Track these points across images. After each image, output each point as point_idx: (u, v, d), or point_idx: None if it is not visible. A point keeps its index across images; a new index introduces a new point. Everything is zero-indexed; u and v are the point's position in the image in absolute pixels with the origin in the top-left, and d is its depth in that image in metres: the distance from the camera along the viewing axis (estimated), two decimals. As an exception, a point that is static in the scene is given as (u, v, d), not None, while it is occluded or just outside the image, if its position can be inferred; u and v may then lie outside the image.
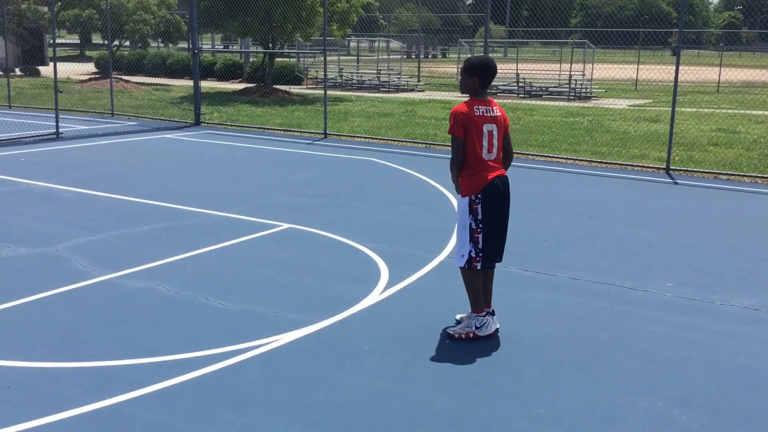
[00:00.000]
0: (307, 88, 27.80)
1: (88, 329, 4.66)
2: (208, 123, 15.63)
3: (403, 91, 27.21)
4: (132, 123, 15.57)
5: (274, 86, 24.08)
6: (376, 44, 37.84)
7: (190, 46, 15.43)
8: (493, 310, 4.78)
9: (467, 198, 4.54)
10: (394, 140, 13.69)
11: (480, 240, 4.56)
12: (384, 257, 6.36)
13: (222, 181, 9.69)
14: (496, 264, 4.78)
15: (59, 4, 29.08)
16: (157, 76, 30.87)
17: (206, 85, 28.21)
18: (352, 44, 44.25)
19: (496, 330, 4.71)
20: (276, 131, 14.83)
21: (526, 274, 6.02)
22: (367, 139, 13.79)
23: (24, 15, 32.22)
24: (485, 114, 4.50)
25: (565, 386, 4.07)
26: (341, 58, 37.70)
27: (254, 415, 3.67)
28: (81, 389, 3.86)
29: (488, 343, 4.62)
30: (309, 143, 13.27)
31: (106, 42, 30.82)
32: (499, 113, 4.58)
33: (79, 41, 47.24)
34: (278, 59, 29.94)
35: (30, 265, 5.92)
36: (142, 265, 5.97)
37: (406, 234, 7.19)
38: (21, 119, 15.45)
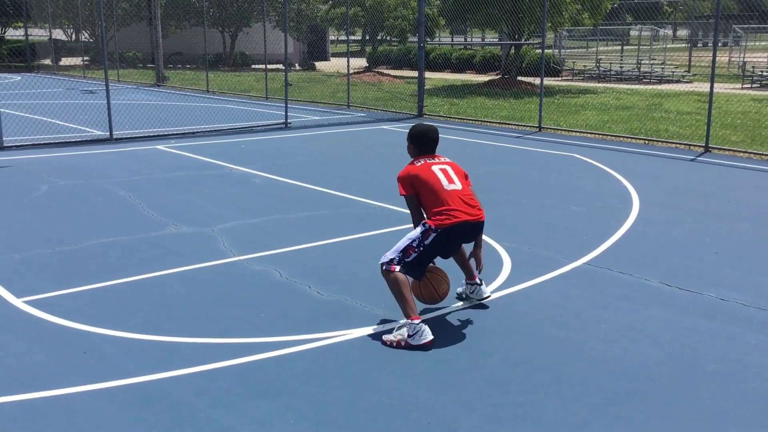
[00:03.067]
0: (562, 80, 26.95)
1: (185, 306, 4.96)
2: (430, 115, 15.83)
3: (667, 82, 25.20)
4: (361, 114, 16.31)
5: (518, 78, 23.68)
6: (661, 32, 35.44)
7: (418, 39, 15.70)
8: (481, 280, 4.86)
9: (430, 227, 4.48)
10: (613, 136, 12.71)
11: (412, 257, 4.49)
12: (514, 258, 5.95)
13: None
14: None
15: (330, 2, 31.34)
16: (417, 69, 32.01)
17: (461, 77, 28.64)
18: (633, 33, 41.94)
19: (429, 341, 4.29)
20: (493, 124, 14.57)
21: (666, 289, 5.24)
22: (582, 134, 12.98)
23: (304, 13, 35.40)
24: (428, 161, 4.69)
25: (620, 420, 3.46)
26: (607, 48, 35.90)
27: (271, 407, 3.63)
28: (139, 362, 4.12)
29: (560, 359, 4.09)
30: (517, 137, 12.84)
31: (368, 38, 32.73)
32: (448, 160, 4.76)
33: (360, 38, 50.78)
34: (537, 51, 29.36)
35: (180, 242, 6.47)
36: (274, 249, 6.22)
37: (556, 236, 6.65)
38: (265, 109, 16.96)
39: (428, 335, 4.31)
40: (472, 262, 4.84)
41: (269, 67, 19.12)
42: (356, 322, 4.70)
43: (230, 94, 21.62)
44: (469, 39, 48.50)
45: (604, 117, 15.17)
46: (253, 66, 36.18)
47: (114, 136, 12.08)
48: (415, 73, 29.97)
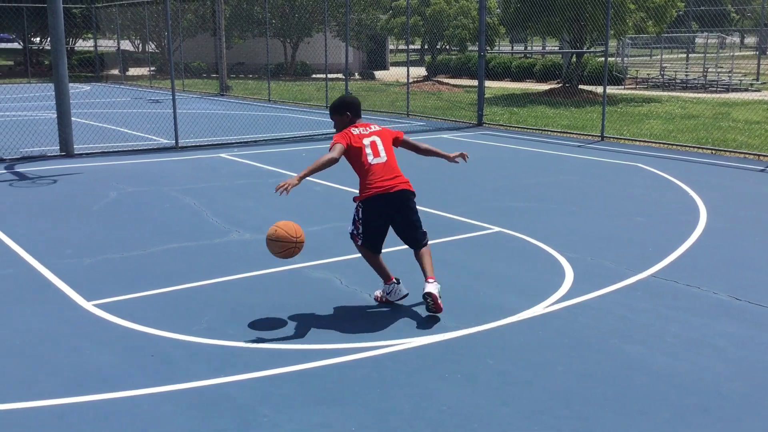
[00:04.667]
0: (625, 89, 26.47)
1: (248, 312, 5.04)
2: (490, 124, 15.75)
3: (734, 91, 24.49)
4: (420, 123, 16.33)
5: (579, 87, 23.36)
6: (728, 40, 34.50)
7: (479, 48, 15.65)
8: (397, 279, 5.13)
9: (357, 201, 5.09)
10: (678, 145, 12.41)
11: (360, 228, 5.08)
12: (577, 269, 5.86)
13: (464, 181, 9.72)
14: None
15: (390, 12, 31.52)
16: (476, 78, 31.91)
17: (521, 86, 28.42)
18: (699, 40, 40.95)
19: (405, 295, 5.07)
20: (554, 133, 14.40)
21: (735, 303, 5.09)
22: (647, 144, 12.72)
23: (364, 23, 35.70)
24: (362, 133, 5.08)
25: (690, 442, 3.38)
26: (671, 56, 35.11)
27: (331, 414, 3.66)
28: (204, 365, 4.21)
29: (624, 372, 4.00)
30: (579, 146, 12.65)
31: (427, 47, 32.77)
32: (378, 129, 5.13)
33: (419, 47, 50.94)
34: (599, 59, 28.91)
35: (243, 249, 6.58)
36: (335, 257, 6.27)
37: (620, 247, 6.52)
38: (325, 118, 17.08)
39: (401, 292, 5.08)
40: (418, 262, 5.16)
41: (329, 76, 19.35)
42: (416, 330, 4.70)
43: (291, 103, 21.93)
44: (529, 47, 48.10)
45: (669, 126, 14.83)
46: (313, 75, 36.62)
47: (179, 145, 12.38)
48: (474, 82, 29.87)
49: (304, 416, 3.64)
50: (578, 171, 10.39)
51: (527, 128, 15.10)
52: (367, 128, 5.15)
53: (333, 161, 4.94)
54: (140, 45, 39.73)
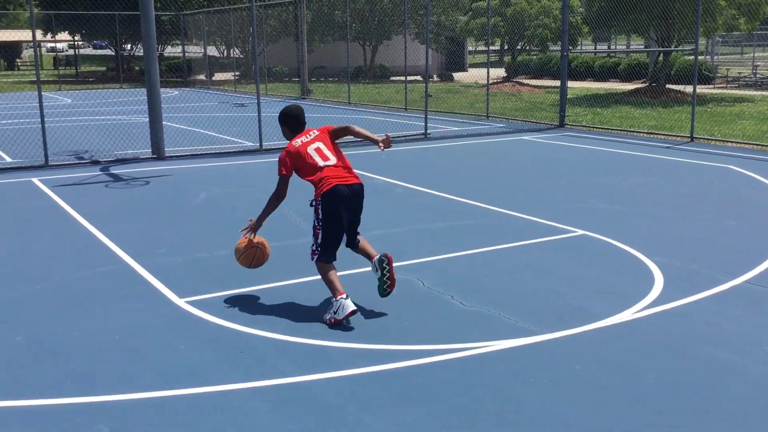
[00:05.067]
0: (715, 88, 25.54)
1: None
2: (572, 125, 15.47)
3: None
4: (500, 125, 16.19)
5: (667, 86, 22.66)
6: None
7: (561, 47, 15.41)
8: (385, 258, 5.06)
9: (314, 200, 5.09)
10: (775, 145, 11.90)
11: (320, 236, 5.08)
12: (666, 274, 5.70)
13: (545, 183, 9.59)
14: None
15: (470, 13, 31.36)
16: (558, 79, 31.39)
17: (605, 86, 27.80)
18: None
19: (352, 312, 4.82)
20: (640, 134, 14.03)
21: (838, 314, 4.84)
22: (739, 145, 12.25)
23: (443, 24, 35.65)
24: (305, 141, 5.20)
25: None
26: (764, 53, 33.62)
27: (417, 415, 3.68)
28: (291, 363, 4.30)
29: (718, 381, 3.87)
30: (667, 147, 12.28)
31: (506, 47, 32.43)
32: (317, 133, 5.26)
33: (498, 48, 50.54)
34: (687, 57, 27.98)
35: (327, 249, 6.68)
36: (417, 258, 6.29)
37: (711, 251, 6.31)
38: (405, 120, 17.18)
39: (349, 307, 4.84)
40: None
41: (408, 78, 19.40)
42: (500, 333, 4.67)
43: (371, 105, 22.11)
44: (612, 46, 46.97)
45: (762, 127, 14.23)
46: (392, 78, 36.82)
47: (263, 147, 12.66)
48: (555, 83, 29.39)
49: (390, 416, 3.68)
50: (666, 173, 10.10)
51: (612, 129, 14.76)
52: (308, 135, 5.27)
53: (282, 197, 5.22)
54: (225, 50, 40.83)
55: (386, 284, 5.03)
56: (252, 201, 8.65)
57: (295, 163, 5.15)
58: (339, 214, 5.05)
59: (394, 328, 4.80)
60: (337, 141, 5.36)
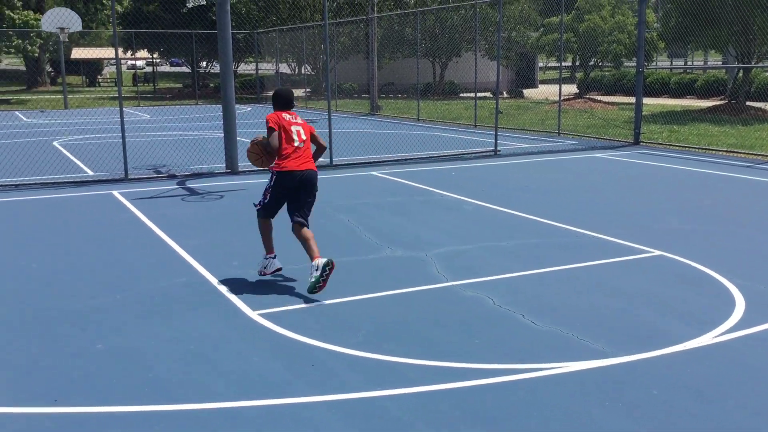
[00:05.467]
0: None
1: (402, 327, 5.12)
2: (648, 143, 15.11)
3: None
4: (572, 142, 15.94)
5: (747, 103, 21.92)
6: None
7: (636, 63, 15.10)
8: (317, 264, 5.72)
9: (273, 171, 6.07)
10: None
11: (267, 198, 6.14)
12: (748, 297, 5.49)
13: (620, 201, 9.39)
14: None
15: (541, 29, 31.10)
16: (634, 95, 30.77)
17: (681, 103, 27.12)
18: None
19: (277, 269, 6.23)
20: (719, 152, 13.60)
21: None
22: (826, 163, 11.74)
23: (514, 41, 35.46)
24: (291, 120, 6.16)
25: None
26: None
27: (488, 435, 3.64)
28: (361, 378, 4.31)
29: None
30: (748, 166, 11.87)
31: (578, 64, 31.98)
32: (301, 121, 6.23)
33: (570, 64, 50.00)
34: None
35: (396, 265, 6.69)
36: (486, 276, 6.24)
37: (797, 275, 6.04)
38: (474, 137, 17.12)
39: (274, 266, 6.22)
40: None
41: (477, 94, 19.35)
42: (573, 354, 4.58)
43: (440, 122, 22.12)
44: (689, 62, 45.80)
45: None
46: (461, 94, 36.78)
47: (334, 163, 12.81)
48: (629, 99, 28.87)
49: (460, 434, 3.65)
50: (747, 193, 9.75)
51: (689, 147, 14.37)
52: (295, 117, 6.23)
53: (275, 149, 6.03)
54: (296, 67, 41.60)
55: (318, 285, 5.68)
56: (323, 215, 8.75)
57: (279, 125, 6.07)
58: (286, 190, 6.08)
59: (464, 346, 4.76)
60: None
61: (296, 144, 6.05)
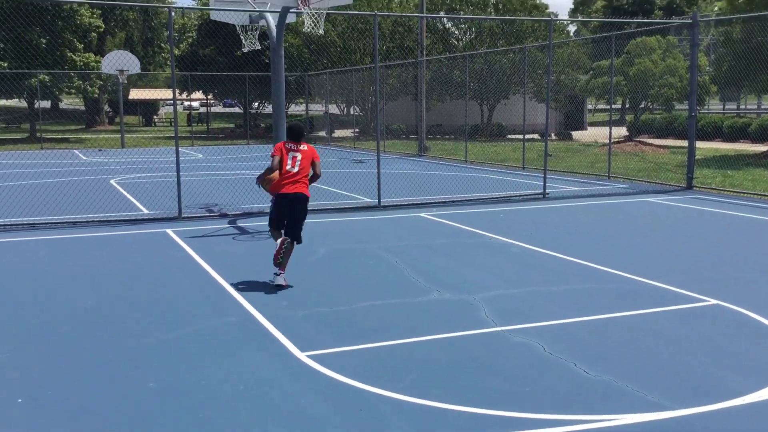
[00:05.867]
0: None
1: (451, 373, 5.07)
2: (701, 187, 14.84)
3: None
4: (623, 186, 15.75)
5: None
6: None
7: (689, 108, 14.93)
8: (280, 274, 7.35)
9: (272, 193, 7.50)
10: None
11: (270, 215, 7.65)
12: (810, 352, 5.30)
13: (673, 247, 9.21)
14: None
15: (591, 72, 31.01)
16: (686, 139, 30.36)
17: (734, 147, 26.63)
18: None
19: (280, 285, 7.32)
20: (776, 198, 13.27)
21: None
22: None
23: (563, 83, 35.41)
24: (291, 148, 7.51)
25: None
26: None
27: (539, 487, 3.56)
28: (413, 425, 4.26)
29: None
30: (807, 213, 11.54)
31: (628, 106, 31.71)
32: (305, 148, 7.56)
33: (619, 107, 49.66)
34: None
35: (444, 308, 6.65)
36: (537, 322, 6.16)
37: None
38: (522, 179, 17.03)
39: (279, 281, 7.32)
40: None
41: (525, 136, 19.29)
42: (628, 406, 4.47)
43: (487, 163, 22.10)
44: (742, 106, 45.08)
45: None
46: (508, 136, 36.75)
47: (381, 203, 12.88)
48: (680, 143, 28.44)
49: (511, 486, 3.57)
50: (806, 241, 9.47)
51: (744, 193, 14.05)
52: (298, 146, 7.54)
53: (273, 171, 7.37)
54: (345, 108, 42.18)
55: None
56: (371, 257, 8.78)
57: (281, 154, 7.46)
58: (280, 210, 7.46)
59: (514, 394, 4.69)
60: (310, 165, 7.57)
61: (289, 168, 7.42)
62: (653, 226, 10.91)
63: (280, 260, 7.27)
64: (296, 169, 7.40)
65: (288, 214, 7.42)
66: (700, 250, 9.09)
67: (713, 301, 6.69)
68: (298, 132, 7.60)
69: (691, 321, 6.18)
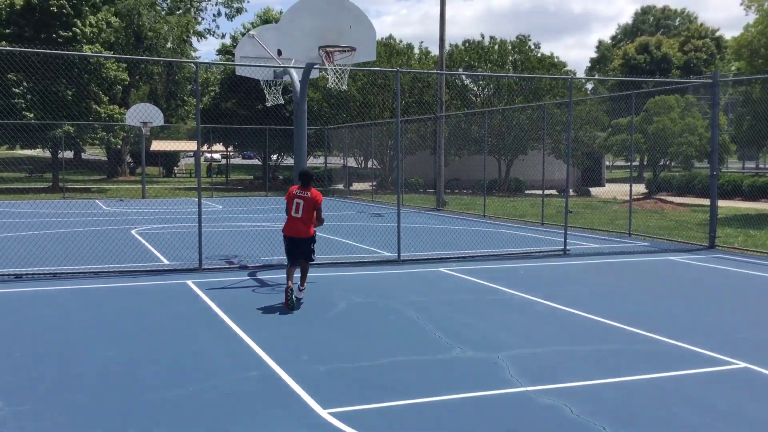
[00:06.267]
0: None
1: (477, 434, 4.97)
2: (724, 247, 14.69)
3: None
4: (644, 243, 15.62)
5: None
6: None
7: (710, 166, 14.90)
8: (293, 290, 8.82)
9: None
10: None
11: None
12: None
13: (699, 308, 9.08)
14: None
15: (609, 129, 31.15)
16: (707, 197, 30.23)
17: (755, 206, 26.47)
18: None
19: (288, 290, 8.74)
20: (801, 258, 13.09)
21: None
22: None
23: (581, 140, 35.57)
24: (298, 194, 8.96)
25: None
26: None
27: None
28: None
29: None
30: (833, 274, 11.36)
31: (645, 164, 31.72)
32: (309, 195, 8.94)
33: (638, 163, 49.70)
34: None
35: (468, 366, 6.55)
36: (564, 382, 6.04)
37: None
38: (541, 235, 16.96)
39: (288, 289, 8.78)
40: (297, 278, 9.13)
41: (544, 192, 19.31)
42: (660, 473, 4.33)
43: (505, 218, 22.07)
44: (761, 165, 44.97)
45: None
46: (526, 191, 36.79)
47: (401, 258, 12.84)
48: (700, 201, 28.35)
49: None
50: (835, 303, 9.30)
51: (766, 253, 13.89)
52: (304, 192, 8.98)
53: (286, 213, 9.09)
54: (363, 161, 42.52)
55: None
56: (392, 312, 8.71)
57: (289, 197, 9.03)
58: (287, 246, 9.12)
59: (542, 458, 4.57)
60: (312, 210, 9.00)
61: (293, 213, 8.97)
62: (678, 286, 10.77)
63: (290, 305, 8.69)
64: (299, 215, 8.96)
65: (294, 249, 9.06)
66: (727, 311, 8.94)
67: (742, 364, 6.54)
68: (305, 177, 9.04)
69: (721, 384, 6.04)
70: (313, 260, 9.25)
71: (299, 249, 9.00)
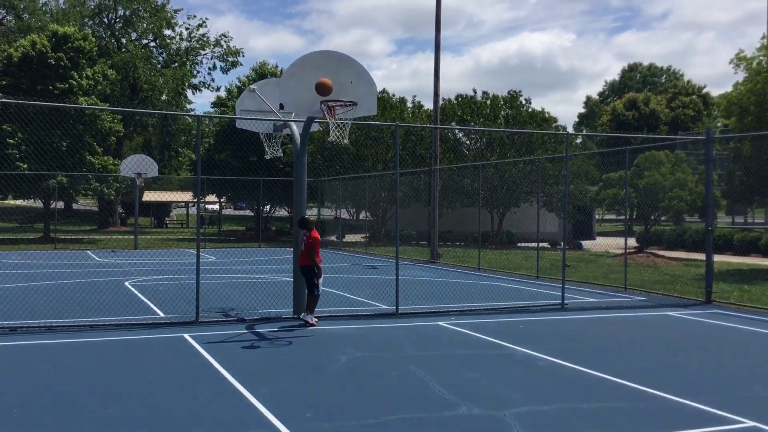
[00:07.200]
0: None
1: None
2: (720, 302, 14.70)
3: None
4: (640, 298, 15.62)
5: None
6: None
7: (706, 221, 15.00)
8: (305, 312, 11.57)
9: None
10: None
11: None
12: None
13: (701, 364, 9.04)
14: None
15: (600, 184, 31.43)
16: (698, 251, 30.36)
17: (746, 261, 26.58)
18: None
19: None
20: (798, 314, 13.10)
21: None
22: None
23: (572, 194, 35.86)
24: (304, 233, 11.68)
25: None
26: None
27: None
28: None
29: None
30: (832, 330, 11.36)
31: (635, 217, 31.94)
32: (305, 237, 11.59)
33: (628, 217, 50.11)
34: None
35: (475, 424, 6.46)
36: (572, 441, 5.97)
37: None
38: (537, 288, 16.93)
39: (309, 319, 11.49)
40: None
41: (539, 245, 19.35)
42: None
43: (500, 271, 22.06)
44: (749, 219, 45.40)
45: None
46: (518, 243, 36.88)
47: (399, 311, 12.77)
48: (692, 255, 28.51)
49: None
50: (836, 360, 9.28)
51: (764, 308, 13.90)
52: (306, 233, 11.58)
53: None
54: (355, 213, 42.61)
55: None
56: (393, 367, 8.62)
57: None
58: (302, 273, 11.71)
59: None
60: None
61: (302, 248, 11.64)
62: (679, 342, 10.74)
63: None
64: (303, 248, 11.67)
65: (302, 275, 11.68)
66: (729, 368, 8.90)
67: (750, 423, 6.49)
68: (300, 222, 11.95)
69: (732, 444, 5.98)
70: (314, 293, 11.33)
71: (305, 275, 11.48)
